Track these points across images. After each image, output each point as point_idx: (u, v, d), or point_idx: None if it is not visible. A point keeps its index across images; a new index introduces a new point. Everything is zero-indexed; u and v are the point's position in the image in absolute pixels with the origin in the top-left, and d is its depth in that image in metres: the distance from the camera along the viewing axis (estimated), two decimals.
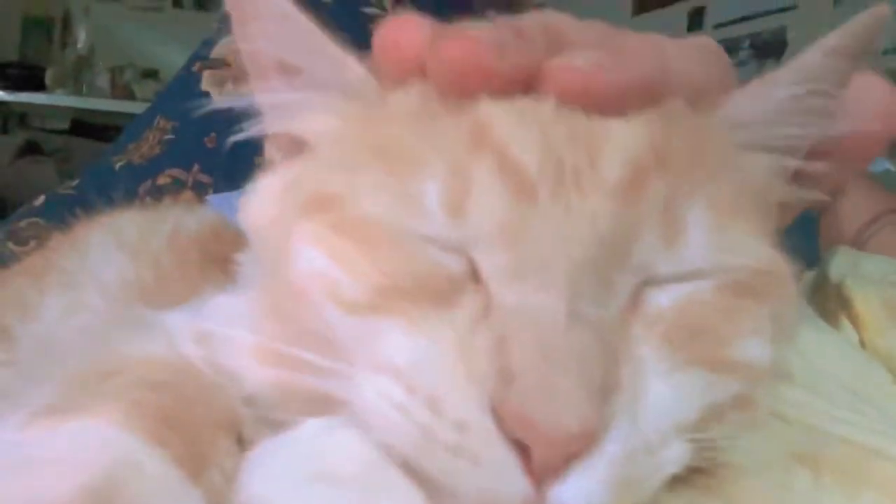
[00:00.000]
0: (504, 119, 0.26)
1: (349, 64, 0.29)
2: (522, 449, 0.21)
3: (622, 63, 0.26)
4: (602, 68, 0.26)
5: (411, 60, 0.27)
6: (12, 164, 1.73)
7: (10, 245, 0.83)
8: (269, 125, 0.32)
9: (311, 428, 0.25)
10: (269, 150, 0.33)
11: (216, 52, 1.02)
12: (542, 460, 0.21)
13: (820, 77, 0.28)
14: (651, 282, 0.25)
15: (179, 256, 0.47)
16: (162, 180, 0.93)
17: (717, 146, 0.28)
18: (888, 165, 1.06)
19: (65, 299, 0.47)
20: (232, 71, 0.97)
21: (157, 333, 0.30)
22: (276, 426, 0.26)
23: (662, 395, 0.24)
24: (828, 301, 0.52)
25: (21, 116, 3.18)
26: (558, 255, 0.23)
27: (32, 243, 0.79)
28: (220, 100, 0.32)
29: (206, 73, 1.00)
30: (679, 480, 0.26)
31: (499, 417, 0.22)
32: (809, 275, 0.58)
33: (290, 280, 0.27)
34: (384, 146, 0.27)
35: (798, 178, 0.31)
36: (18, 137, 1.81)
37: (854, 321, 0.49)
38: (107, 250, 0.49)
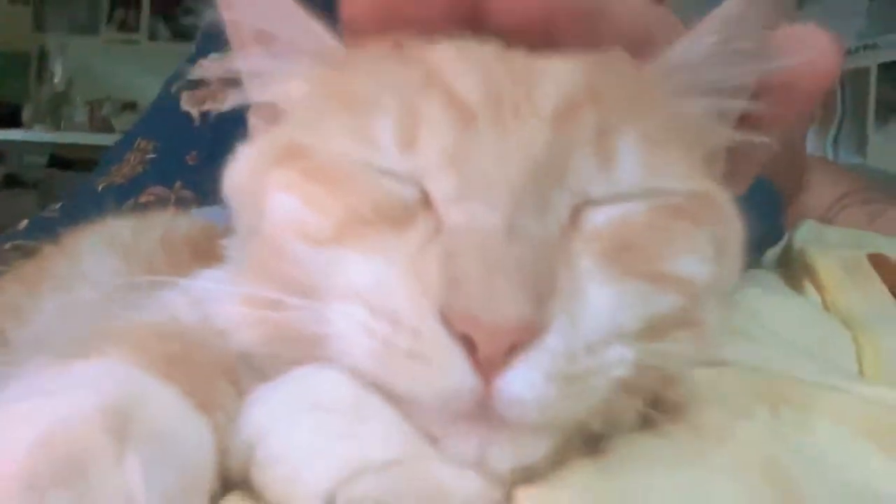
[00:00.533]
0: (450, 61, 0.29)
1: (320, 32, 0.32)
2: (470, 347, 0.23)
3: None
4: None
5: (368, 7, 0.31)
6: None
7: None
8: (250, 94, 0.35)
9: (302, 371, 0.27)
10: (252, 121, 0.35)
11: (193, 73, 1.03)
12: (486, 353, 0.23)
13: (746, 20, 0.31)
14: (588, 203, 0.28)
15: (171, 257, 0.49)
16: (145, 198, 0.93)
17: (651, 89, 0.31)
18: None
19: (59, 303, 0.48)
20: (210, 90, 0.99)
21: (154, 305, 0.32)
22: (268, 379, 0.28)
23: (600, 301, 0.26)
24: (793, 269, 0.55)
25: None
26: (498, 177, 0.26)
27: (18, 263, 0.80)
28: (208, 66, 0.34)
29: (184, 94, 1.02)
30: (648, 416, 0.29)
31: (447, 321, 0.24)
32: (777, 248, 0.61)
33: (266, 231, 0.29)
34: (347, 97, 0.30)
35: (743, 121, 0.33)
36: None
37: (816, 285, 0.51)
38: (99, 253, 0.50)
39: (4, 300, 0.51)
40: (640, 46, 0.31)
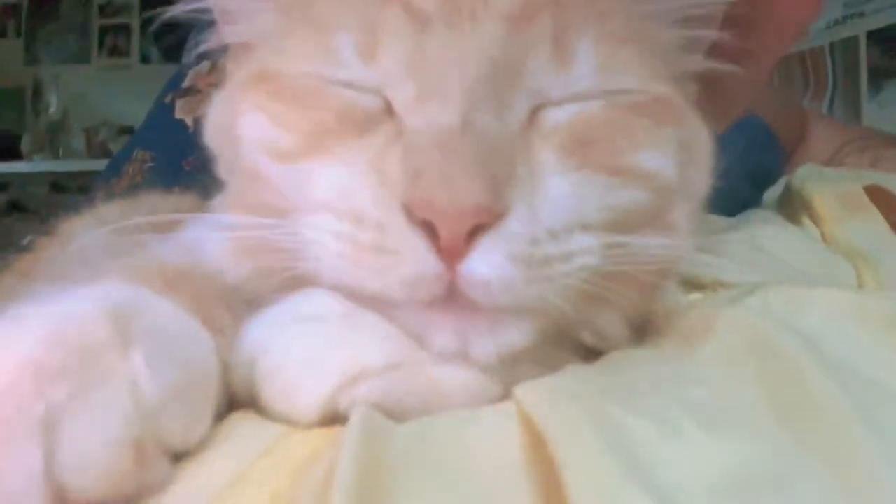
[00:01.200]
0: None
1: None
2: (432, 233, 0.24)
3: None
4: None
5: None
6: None
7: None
8: (225, 35, 0.35)
9: (294, 295, 0.28)
10: (228, 66, 0.36)
11: (186, 82, 1.05)
12: (447, 237, 0.24)
13: None
14: (547, 104, 0.28)
15: (160, 231, 0.49)
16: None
17: (617, 5, 0.31)
18: None
19: (54, 284, 0.48)
20: (203, 96, 1.00)
21: (146, 252, 0.32)
22: (262, 308, 0.28)
23: (560, 190, 0.26)
24: (792, 206, 0.55)
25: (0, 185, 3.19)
26: (455, 77, 0.27)
27: None
28: (185, 6, 0.35)
29: (178, 102, 1.03)
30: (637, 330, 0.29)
31: (410, 211, 0.25)
32: (777, 188, 0.61)
33: (242, 161, 0.30)
34: (310, 18, 0.31)
35: (713, 50, 0.34)
36: (0, 200, 1.82)
37: (814, 219, 0.51)
38: (90, 230, 0.50)
39: (1, 292, 0.51)
40: None
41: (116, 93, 3.25)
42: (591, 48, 0.29)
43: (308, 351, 0.25)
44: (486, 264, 0.24)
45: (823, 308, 0.29)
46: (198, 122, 0.99)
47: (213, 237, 0.31)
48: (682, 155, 0.30)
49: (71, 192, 2.54)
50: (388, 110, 0.28)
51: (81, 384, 0.20)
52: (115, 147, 3.15)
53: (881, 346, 0.27)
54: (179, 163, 0.95)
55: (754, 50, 0.34)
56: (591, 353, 0.30)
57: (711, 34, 0.33)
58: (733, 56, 0.34)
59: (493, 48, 0.27)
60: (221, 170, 0.34)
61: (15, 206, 1.82)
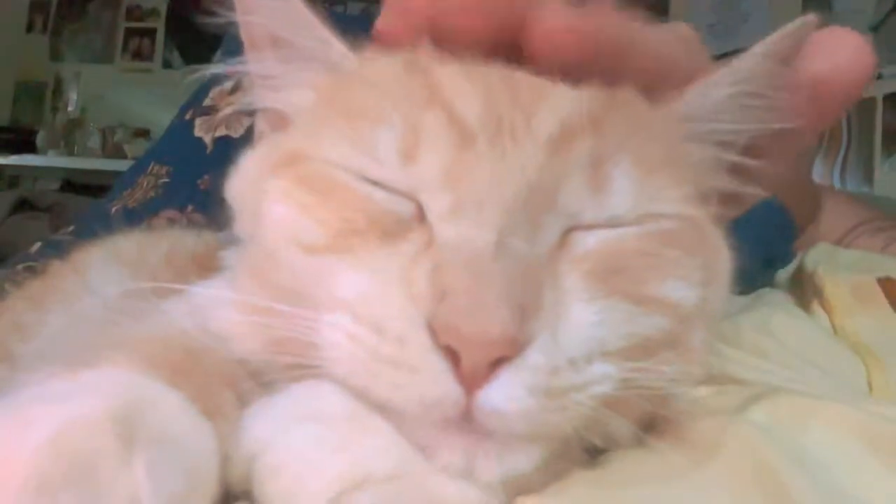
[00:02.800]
0: (453, 79, 0.30)
1: (333, 42, 0.33)
2: (454, 358, 0.24)
3: (592, 18, 0.30)
4: (573, 20, 0.30)
5: (418, 10, 0.31)
6: (6, 220, 1.75)
7: (8, 286, 0.84)
8: (259, 98, 0.36)
9: (300, 386, 0.27)
10: (258, 126, 0.36)
11: (208, 100, 1.05)
12: (469, 365, 0.24)
13: (755, 79, 0.32)
14: (579, 227, 0.28)
15: (176, 271, 0.49)
16: (157, 222, 0.94)
17: (654, 125, 0.31)
18: None
19: (65, 316, 0.48)
20: (223, 116, 1.01)
21: (156, 313, 0.32)
22: (267, 387, 0.28)
23: (584, 318, 0.26)
24: (803, 290, 0.54)
25: (12, 178, 3.21)
26: (492, 196, 0.27)
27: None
28: (218, 65, 0.35)
29: (198, 120, 1.04)
30: (639, 436, 0.29)
31: (433, 331, 0.24)
32: (790, 268, 0.61)
33: (263, 239, 0.30)
34: (350, 106, 0.31)
35: (737, 171, 0.34)
36: (11, 197, 1.83)
37: (825, 307, 0.51)
38: (107, 267, 0.51)
39: (10, 317, 0.52)
40: (667, 78, 0.32)
41: (136, 95, 3.28)
42: (627, 174, 0.29)
43: (311, 452, 0.25)
44: (505, 396, 0.24)
45: (830, 426, 0.29)
46: (216, 142, 1.00)
47: (225, 307, 0.31)
48: (704, 279, 0.30)
49: (82, 192, 2.55)
50: (420, 217, 0.28)
51: (83, 499, 0.20)
52: (130, 149, 3.17)
53: (890, 476, 0.26)
54: (195, 181, 0.95)
55: (808, 123, 0.34)
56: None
57: (735, 158, 0.33)
58: (789, 133, 0.34)
59: (532, 171, 0.27)
60: (239, 229, 0.34)
61: (25, 205, 1.82)
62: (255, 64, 0.35)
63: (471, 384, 0.24)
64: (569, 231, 0.28)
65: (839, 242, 0.84)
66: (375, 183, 0.29)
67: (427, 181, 0.28)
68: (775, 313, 0.48)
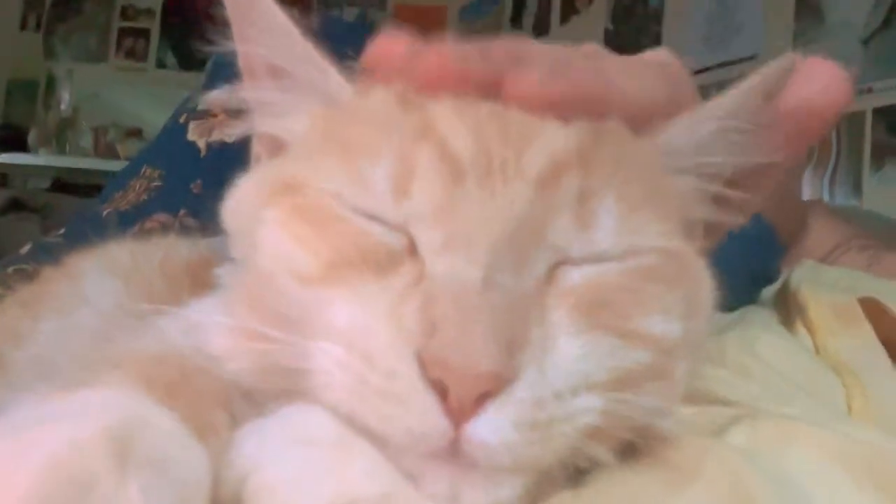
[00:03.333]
0: (446, 116, 0.30)
1: (330, 72, 0.34)
2: (442, 393, 0.25)
3: (565, 77, 0.31)
4: (547, 81, 0.31)
5: (395, 68, 0.32)
6: None
7: None
8: (256, 124, 0.36)
9: (290, 409, 0.28)
10: (256, 149, 0.37)
11: (202, 104, 1.05)
12: (457, 399, 0.25)
13: (740, 114, 0.33)
14: (566, 262, 0.29)
15: (170, 281, 0.49)
16: (149, 225, 0.94)
17: (640, 158, 0.32)
18: None
19: (58, 324, 0.49)
20: (217, 120, 1.01)
21: (151, 332, 0.32)
22: (259, 406, 0.29)
23: (570, 352, 0.27)
24: (788, 308, 0.55)
25: (2, 177, 3.19)
26: (481, 232, 0.27)
27: (20, 287, 0.80)
28: (219, 92, 0.36)
29: (192, 124, 1.03)
30: (621, 458, 0.30)
31: (422, 365, 0.25)
32: (776, 285, 0.62)
33: (258, 265, 0.31)
34: (345, 140, 0.31)
35: (719, 202, 0.35)
36: (2, 197, 1.82)
37: (808, 327, 0.52)
38: (100, 276, 0.51)
39: (3, 323, 0.52)
40: (648, 119, 0.33)
41: (129, 95, 3.28)
42: (613, 209, 0.29)
43: (300, 474, 0.25)
44: (491, 429, 0.25)
45: (809, 450, 0.29)
46: (210, 146, 1.00)
47: (219, 329, 0.31)
48: (687, 312, 0.30)
49: (73, 191, 2.54)
50: (411, 250, 0.29)
51: None
52: (122, 148, 3.16)
53: (864, 500, 0.27)
54: (188, 185, 0.95)
55: (788, 149, 0.35)
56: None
57: (718, 189, 0.35)
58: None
59: (521, 207, 0.28)
60: (234, 250, 0.35)
61: (16, 205, 1.82)
62: (252, 91, 0.35)
63: (458, 417, 0.25)
64: (556, 266, 0.29)
65: (824, 259, 0.85)
66: (369, 216, 0.29)
67: (419, 216, 0.29)
68: (760, 333, 0.49)
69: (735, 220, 0.35)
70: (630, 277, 0.29)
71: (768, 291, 0.64)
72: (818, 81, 0.35)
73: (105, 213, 0.96)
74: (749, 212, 0.37)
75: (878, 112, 1.95)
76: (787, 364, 0.45)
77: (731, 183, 0.35)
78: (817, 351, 0.50)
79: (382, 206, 0.29)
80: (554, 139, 0.30)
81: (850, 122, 1.97)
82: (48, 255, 0.84)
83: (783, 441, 0.30)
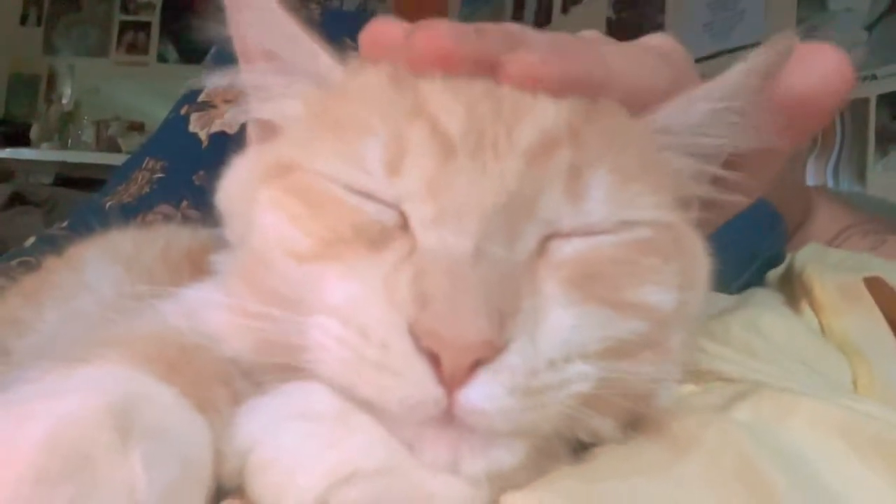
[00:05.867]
0: (438, 94, 0.30)
1: (320, 54, 0.34)
2: (435, 361, 0.25)
3: (564, 59, 0.31)
4: (546, 62, 0.30)
5: (390, 49, 0.32)
6: (0, 215, 1.74)
7: (2, 281, 0.84)
8: (252, 109, 0.36)
9: (290, 386, 0.28)
10: (250, 134, 0.37)
11: (203, 96, 1.05)
12: (449, 367, 0.25)
13: (737, 94, 0.32)
14: (557, 235, 0.29)
15: (171, 268, 0.49)
16: (152, 217, 0.94)
17: (634, 135, 0.32)
18: None
19: (60, 312, 0.49)
20: (219, 112, 1.00)
21: (151, 314, 0.33)
22: (259, 385, 0.29)
23: (562, 322, 0.27)
24: (793, 289, 0.55)
25: (5, 172, 3.20)
26: (472, 205, 0.28)
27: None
28: (217, 76, 0.36)
29: (193, 116, 1.03)
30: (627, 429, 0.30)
31: (415, 336, 0.25)
32: (780, 268, 0.62)
33: (253, 245, 0.31)
34: (337, 119, 0.31)
35: (717, 182, 0.35)
36: (4, 191, 1.82)
37: (814, 306, 0.52)
38: (102, 264, 0.51)
39: (5, 312, 0.52)
40: (646, 104, 0.33)
41: (130, 89, 3.28)
42: (604, 182, 0.29)
43: (301, 449, 0.26)
44: (484, 395, 0.25)
45: (811, 423, 0.29)
46: (212, 137, 1.00)
47: (217, 309, 0.31)
48: (683, 285, 0.30)
49: (76, 185, 2.54)
50: (403, 226, 0.29)
51: (81, 490, 0.20)
52: (124, 142, 3.16)
53: (870, 474, 0.27)
54: (190, 176, 0.95)
55: (791, 137, 0.35)
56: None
57: (716, 171, 0.34)
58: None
59: (511, 181, 0.28)
60: (229, 233, 0.35)
61: (19, 199, 1.82)
62: (247, 75, 0.36)
63: (451, 385, 0.25)
64: (547, 239, 0.29)
65: (830, 244, 0.84)
66: (362, 193, 0.29)
67: (411, 192, 0.29)
68: (764, 312, 0.49)
69: (734, 199, 0.35)
70: (623, 249, 0.29)
71: (773, 274, 0.63)
72: (822, 68, 0.34)
73: (108, 204, 0.96)
74: (751, 193, 0.36)
75: (882, 98, 1.93)
76: (791, 342, 0.45)
77: (730, 164, 0.34)
78: (823, 331, 0.50)
79: (375, 183, 0.29)
80: (545, 114, 0.30)
81: (854, 109, 1.96)
82: (52, 247, 0.85)
83: (787, 414, 0.30)
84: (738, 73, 0.32)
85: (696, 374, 0.39)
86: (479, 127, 0.29)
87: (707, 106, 0.33)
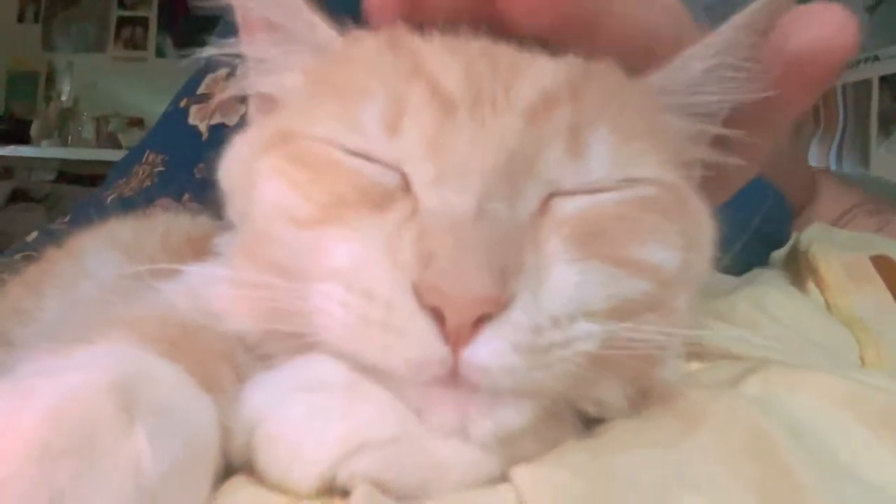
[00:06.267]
0: (436, 54, 0.30)
1: (319, 25, 0.34)
2: (440, 318, 0.25)
3: None
4: None
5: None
6: (2, 211, 1.75)
7: (6, 276, 0.84)
8: (251, 83, 0.36)
9: (297, 360, 0.28)
10: (251, 109, 0.36)
11: (202, 88, 1.05)
12: (454, 323, 0.25)
13: (734, 50, 0.32)
14: (559, 193, 0.29)
15: (172, 255, 0.49)
16: (153, 211, 0.94)
17: (634, 95, 0.32)
18: None
19: (62, 301, 0.49)
20: (218, 103, 1.00)
21: (153, 295, 0.32)
22: (264, 361, 0.29)
23: (565, 280, 0.27)
24: (798, 268, 0.55)
25: (7, 170, 3.20)
26: (472, 164, 0.27)
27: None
28: (214, 48, 0.36)
29: (193, 108, 1.03)
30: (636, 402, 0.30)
31: (419, 294, 0.25)
32: (785, 249, 0.61)
33: (255, 217, 0.31)
34: (337, 85, 0.31)
35: (719, 143, 0.35)
36: (6, 188, 1.83)
37: (819, 285, 0.51)
38: (102, 251, 0.51)
39: (8, 303, 0.52)
40: (649, 51, 0.32)
41: (129, 84, 3.27)
42: (605, 140, 0.29)
43: (309, 421, 0.25)
44: (489, 352, 0.25)
45: (820, 395, 0.29)
46: (211, 129, 1.00)
47: (220, 285, 0.31)
48: (686, 245, 0.30)
49: (77, 181, 2.55)
50: (405, 187, 0.29)
51: (85, 465, 0.20)
52: (124, 138, 3.16)
53: (879, 445, 0.27)
54: (191, 169, 0.95)
55: (793, 99, 0.34)
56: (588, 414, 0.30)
57: (716, 130, 0.34)
58: (772, 106, 0.34)
59: (511, 139, 0.28)
60: (230, 212, 0.35)
61: (20, 196, 1.82)
62: (247, 46, 0.35)
63: (456, 343, 0.25)
64: (549, 197, 0.29)
65: (835, 224, 0.84)
66: (362, 156, 0.29)
67: (411, 152, 0.29)
68: (769, 291, 0.49)
69: (737, 163, 0.34)
70: (626, 207, 0.29)
71: (778, 255, 0.63)
72: (824, 25, 0.34)
73: (109, 199, 0.96)
74: (755, 155, 0.36)
75: (884, 80, 1.92)
76: (797, 320, 0.45)
77: (729, 121, 0.34)
78: (829, 308, 0.50)
79: (375, 145, 0.29)
80: (544, 73, 0.30)
81: (857, 91, 1.95)
82: (54, 241, 0.85)
83: (795, 388, 0.30)
84: (732, 27, 0.32)
85: (702, 353, 0.38)
86: (477, 85, 0.29)
87: (704, 63, 0.32)
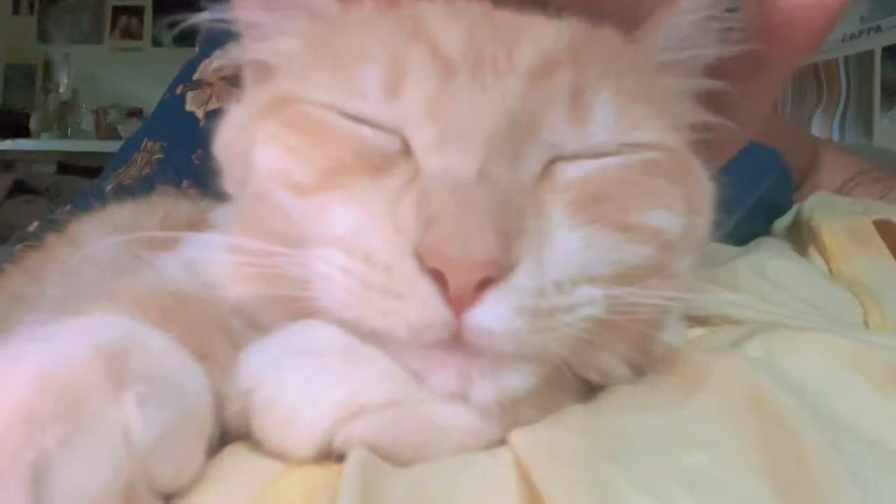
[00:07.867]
0: (436, 17, 0.30)
1: None
2: (442, 281, 0.24)
3: None
4: None
5: None
6: (3, 203, 1.74)
7: (7, 266, 0.84)
8: (246, 51, 0.36)
9: (295, 325, 0.28)
10: (246, 77, 0.36)
11: (197, 74, 1.04)
12: (456, 287, 0.24)
13: (719, 1, 0.32)
14: (562, 158, 0.29)
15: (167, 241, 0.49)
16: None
17: (633, 57, 0.32)
18: None
19: (63, 286, 0.49)
20: (214, 89, 1.00)
21: (148, 268, 0.32)
22: (261, 330, 0.29)
23: (568, 244, 0.27)
24: (800, 235, 0.55)
25: (7, 163, 3.19)
26: (474, 126, 0.27)
27: None
28: (209, 14, 0.35)
29: (189, 94, 1.03)
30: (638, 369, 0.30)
31: (420, 257, 0.25)
32: (787, 218, 0.61)
33: (253, 185, 0.30)
34: (334, 49, 0.31)
35: (711, 100, 0.34)
36: (7, 180, 1.82)
37: (822, 251, 0.51)
38: (102, 234, 0.51)
39: (10, 290, 0.52)
40: (642, 9, 0.32)
41: (127, 75, 3.25)
42: (608, 104, 0.29)
43: (306, 385, 0.25)
44: (492, 315, 0.24)
45: (822, 354, 0.29)
46: (208, 115, 0.99)
47: (217, 256, 0.31)
48: (687, 209, 0.30)
49: (78, 173, 2.54)
50: (405, 151, 0.28)
51: (72, 429, 0.20)
52: (124, 129, 3.15)
53: (882, 401, 0.27)
54: (189, 155, 0.95)
55: (781, 57, 0.34)
56: (590, 384, 0.30)
57: (706, 83, 0.34)
58: (760, 65, 0.34)
59: (513, 102, 0.28)
60: (227, 184, 0.34)
61: (21, 187, 1.82)
62: (241, 11, 0.35)
63: (458, 306, 0.24)
64: (552, 162, 0.28)
65: (838, 192, 0.84)
66: (361, 120, 0.29)
67: (412, 115, 0.28)
68: (771, 257, 0.48)
69: (728, 123, 0.34)
70: (629, 171, 0.29)
71: (780, 223, 0.63)
72: None
73: (109, 188, 0.96)
74: (751, 118, 0.35)
75: (887, 51, 1.90)
76: (799, 285, 0.45)
77: (718, 73, 0.34)
78: (832, 274, 0.49)
79: (374, 108, 0.29)
80: (545, 35, 0.30)
81: (860, 62, 1.93)
82: (55, 230, 0.85)
83: (799, 348, 0.30)
84: None
85: (704, 318, 0.38)
86: (478, 48, 0.29)
87: (692, 17, 0.32)
